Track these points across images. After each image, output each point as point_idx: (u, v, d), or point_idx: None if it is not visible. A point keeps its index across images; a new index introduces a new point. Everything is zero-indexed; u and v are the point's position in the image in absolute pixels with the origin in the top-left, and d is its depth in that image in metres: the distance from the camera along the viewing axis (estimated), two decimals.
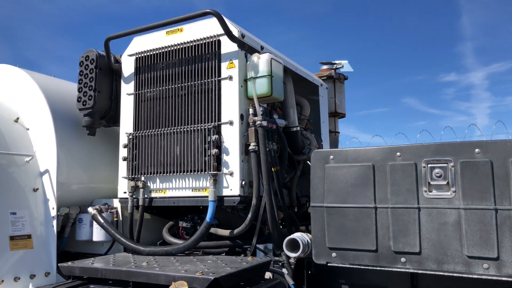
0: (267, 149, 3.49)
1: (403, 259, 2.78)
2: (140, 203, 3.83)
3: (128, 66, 4.16)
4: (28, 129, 4.07)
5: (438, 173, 2.75)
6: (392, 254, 2.80)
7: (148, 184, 3.90)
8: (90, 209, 3.95)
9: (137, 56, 4.10)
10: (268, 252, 3.60)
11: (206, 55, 3.73)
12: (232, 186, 3.49)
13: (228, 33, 3.49)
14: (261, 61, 3.60)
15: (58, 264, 3.30)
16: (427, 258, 2.71)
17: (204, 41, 3.74)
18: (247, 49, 3.70)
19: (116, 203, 4.12)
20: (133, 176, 3.91)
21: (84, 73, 4.17)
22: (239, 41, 3.60)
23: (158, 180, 3.87)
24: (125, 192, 3.95)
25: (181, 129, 3.71)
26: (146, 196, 3.89)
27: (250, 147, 3.47)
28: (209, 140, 3.55)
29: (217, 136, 3.53)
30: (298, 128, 4.56)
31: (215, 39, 3.69)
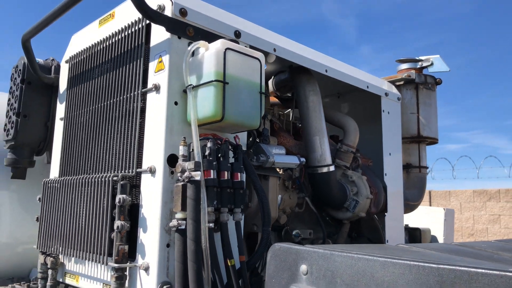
0: (206, 225, 1.76)
1: None
2: None
3: (63, 78, 2.82)
4: None
5: None
6: None
7: (64, 262, 2.46)
8: None
9: (70, 62, 2.73)
10: None
11: (133, 52, 2.17)
12: None
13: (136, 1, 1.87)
14: (208, 54, 1.90)
15: None
16: None
17: (132, 29, 2.19)
18: (192, 35, 2.04)
19: None
20: (43, 250, 2.51)
21: (12, 91, 2.95)
22: (171, 21, 1.97)
23: (72, 259, 2.40)
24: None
25: (86, 180, 2.19)
26: (60, 279, 2.45)
27: (172, 223, 1.78)
28: (116, 201, 1.96)
29: (124, 196, 1.92)
30: (332, 168, 2.72)
31: (143, 23, 2.12)
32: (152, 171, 1.91)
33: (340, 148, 2.95)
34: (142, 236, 1.92)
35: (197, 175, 1.73)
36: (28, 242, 3.14)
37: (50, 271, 2.42)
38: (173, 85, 1.95)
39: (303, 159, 2.58)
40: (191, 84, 1.91)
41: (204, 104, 1.86)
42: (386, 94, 3.27)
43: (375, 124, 3.32)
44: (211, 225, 1.78)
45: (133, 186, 2.02)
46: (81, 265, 2.30)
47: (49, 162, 3.08)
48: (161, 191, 1.86)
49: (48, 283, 2.40)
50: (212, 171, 1.82)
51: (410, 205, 3.52)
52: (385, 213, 3.11)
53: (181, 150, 1.83)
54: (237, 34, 2.24)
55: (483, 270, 0.93)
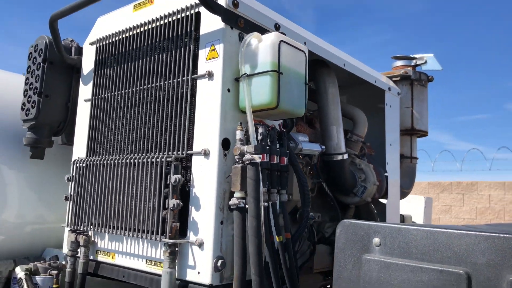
0: (262, 203, 1.91)
1: None
2: (79, 269, 2.47)
3: (88, 60, 2.84)
4: None
5: None
6: None
7: (95, 240, 2.53)
8: (17, 270, 2.68)
9: (98, 44, 2.76)
10: None
11: (179, 38, 2.26)
12: (201, 267, 1.98)
13: None
14: (262, 45, 2.04)
15: None
16: None
17: (178, 16, 2.27)
18: (243, 26, 2.16)
19: None
20: (73, 228, 2.56)
21: (31, 70, 2.93)
22: (226, 12, 2.08)
23: (106, 237, 2.47)
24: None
25: (133, 160, 2.27)
26: (91, 257, 2.52)
27: (232, 201, 1.92)
28: (168, 181, 2.06)
29: (179, 176, 2.03)
30: (346, 156, 2.92)
31: (191, 11, 2.21)
32: (206, 153, 2.02)
33: (350, 137, 3.16)
34: (194, 214, 2.04)
35: (258, 158, 1.87)
36: (38, 222, 3.15)
37: (82, 249, 2.48)
38: (226, 73, 2.06)
39: (323, 147, 2.76)
40: (245, 73, 2.03)
41: (259, 92, 1.99)
42: (389, 89, 3.51)
43: (373, 117, 3.55)
44: (266, 204, 1.93)
45: (183, 167, 2.13)
46: (118, 242, 2.39)
47: (64, 143, 3.10)
48: (216, 172, 1.98)
49: (81, 260, 2.46)
50: (265, 154, 1.96)
51: (403, 192, 3.82)
52: (386, 199, 3.37)
53: (238, 135, 1.96)
54: (277, 27, 2.37)
55: None
